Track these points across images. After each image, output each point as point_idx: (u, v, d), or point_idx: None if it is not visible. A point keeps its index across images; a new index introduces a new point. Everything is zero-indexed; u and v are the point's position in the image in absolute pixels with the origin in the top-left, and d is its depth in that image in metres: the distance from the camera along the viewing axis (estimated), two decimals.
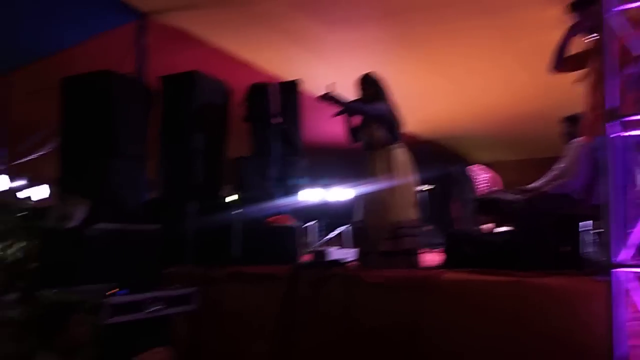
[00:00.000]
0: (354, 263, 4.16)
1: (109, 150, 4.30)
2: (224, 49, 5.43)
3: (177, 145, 4.79)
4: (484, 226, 4.68)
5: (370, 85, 4.23)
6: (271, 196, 4.82)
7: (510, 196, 3.72)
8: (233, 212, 4.54)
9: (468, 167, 6.41)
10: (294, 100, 5.28)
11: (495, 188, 5.69)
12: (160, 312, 3.17)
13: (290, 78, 5.42)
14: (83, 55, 4.98)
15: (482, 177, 6.12)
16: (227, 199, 5.24)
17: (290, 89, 5.29)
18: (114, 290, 3.12)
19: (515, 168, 7.42)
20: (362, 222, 4.18)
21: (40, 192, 6.93)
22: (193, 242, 4.53)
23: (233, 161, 5.16)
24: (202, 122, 4.86)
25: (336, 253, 4.21)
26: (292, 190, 5.04)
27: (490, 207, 4.07)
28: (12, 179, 6.53)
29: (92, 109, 4.33)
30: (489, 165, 6.62)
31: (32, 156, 6.50)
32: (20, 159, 6.71)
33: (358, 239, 4.37)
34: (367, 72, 4.26)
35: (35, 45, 5.08)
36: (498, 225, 4.33)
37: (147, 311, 3.07)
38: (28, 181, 6.87)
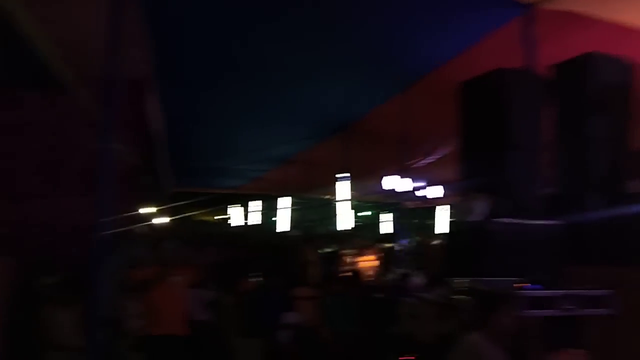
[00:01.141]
0: None
1: (507, 144, 4.36)
2: (623, 22, 4.80)
3: (576, 134, 4.49)
4: None
5: None
6: None
7: None
8: None
9: None
10: None
11: None
12: (575, 312, 2.98)
13: None
14: (474, 58, 5.24)
15: None
16: (636, 192, 4.57)
17: None
18: (523, 284, 3.11)
19: None
20: None
21: (435, 192, 7.70)
22: (596, 240, 4.12)
23: None
24: (602, 107, 4.41)
25: None
26: None
27: None
28: (413, 181, 7.49)
29: (489, 107, 4.50)
30: None
31: (429, 159, 7.29)
32: (418, 163, 7.65)
33: None
34: None
35: (431, 55, 5.65)
36: None
37: (561, 308, 2.93)
38: (426, 182, 7.71)
